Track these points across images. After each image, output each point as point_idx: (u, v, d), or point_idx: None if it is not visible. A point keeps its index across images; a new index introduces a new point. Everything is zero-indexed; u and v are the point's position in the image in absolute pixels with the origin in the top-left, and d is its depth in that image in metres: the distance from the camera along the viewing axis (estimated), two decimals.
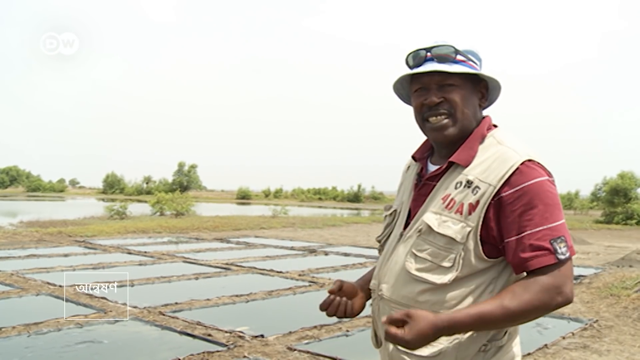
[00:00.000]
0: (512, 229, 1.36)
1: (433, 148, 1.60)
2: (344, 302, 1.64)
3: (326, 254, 11.85)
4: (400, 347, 1.35)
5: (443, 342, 1.40)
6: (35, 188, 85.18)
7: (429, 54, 1.47)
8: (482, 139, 1.49)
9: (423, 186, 1.54)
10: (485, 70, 1.53)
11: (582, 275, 9.17)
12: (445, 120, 1.47)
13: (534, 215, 1.35)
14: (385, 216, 1.67)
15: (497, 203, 1.38)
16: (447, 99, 1.46)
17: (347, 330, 5.32)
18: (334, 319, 5.54)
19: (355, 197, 66.02)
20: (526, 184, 1.37)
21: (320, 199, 69.59)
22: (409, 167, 1.69)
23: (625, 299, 7.02)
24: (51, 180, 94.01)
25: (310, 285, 7.73)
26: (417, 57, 1.49)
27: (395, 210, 1.63)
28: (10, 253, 10.51)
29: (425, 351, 1.41)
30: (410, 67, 1.52)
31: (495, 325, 1.37)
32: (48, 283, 7.22)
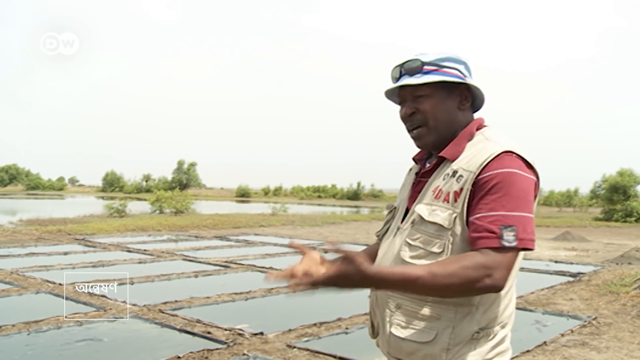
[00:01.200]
0: (475, 209, 1.43)
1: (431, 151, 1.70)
2: None
3: (325, 251, 11.82)
4: (320, 285, 1.36)
5: (436, 328, 1.46)
6: (35, 186, 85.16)
7: (402, 69, 1.58)
8: (471, 137, 1.57)
9: (418, 183, 1.63)
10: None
11: (581, 273, 9.19)
12: (420, 129, 1.59)
13: (492, 201, 1.40)
14: (387, 214, 1.76)
15: (474, 187, 1.45)
16: (419, 109, 1.57)
17: (347, 328, 5.33)
18: (334, 317, 5.56)
19: (354, 195, 66.05)
20: (497, 171, 1.43)
21: (319, 196, 69.66)
22: (411, 169, 1.78)
23: (624, 296, 7.03)
24: (50, 178, 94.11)
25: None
26: (395, 73, 1.61)
27: (395, 208, 1.72)
28: (10, 251, 10.51)
29: (420, 337, 1.48)
30: (393, 83, 1.62)
31: (420, 289, 1.39)
32: (48, 281, 7.22)
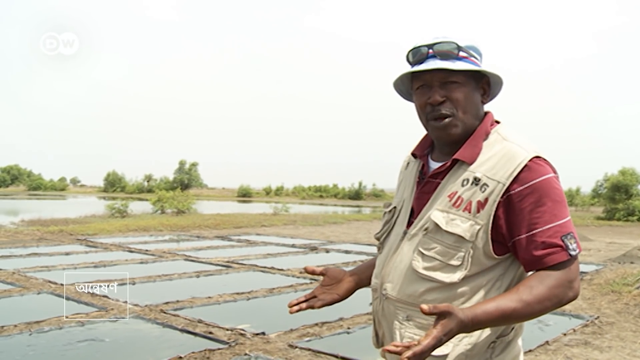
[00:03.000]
0: (522, 226, 1.36)
1: (433, 144, 1.58)
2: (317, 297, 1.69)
3: (327, 251, 11.85)
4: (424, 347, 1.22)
5: (453, 340, 1.37)
6: (37, 187, 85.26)
7: (430, 50, 1.44)
8: (486, 135, 1.47)
9: (426, 184, 1.52)
10: (486, 65, 1.51)
11: (584, 272, 9.16)
12: (448, 120, 1.45)
13: (544, 213, 1.35)
14: (385, 213, 1.65)
15: (507, 200, 1.38)
16: (450, 98, 1.44)
17: (349, 328, 5.32)
18: (336, 317, 5.55)
19: (356, 195, 66.00)
20: (535, 181, 1.36)
21: (321, 196, 69.61)
22: (408, 163, 1.65)
23: (626, 296, 7.02)
24: (52, 178, 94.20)
25: (311, 283, 7.73)
26: (418, 54, 1.46)
27: (395, 208, 1.61)
28: (11, 252, 10.51)
29: (437, 351, 1.35)
30: (411, 64, 1.48)
31: (514, 320, 1.36)
32: (49, 281, 7.23)
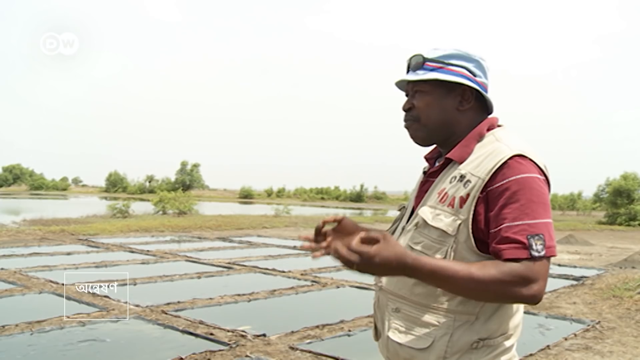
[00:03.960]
0: (494, 221, 1.38)
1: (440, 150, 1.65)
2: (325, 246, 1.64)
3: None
4: (358, 263, 1.30)
5: (433, 335, 1.43)
6: (38, 186, 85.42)
7: (409, 63, 1.57)
8: (480, 137, 1.51)
9: (425, 183, 1.60)
10: (490, 71, 1.55)
11: (585, 277, 9.16)
12: (409, 124, 1.58)
13: (515, 210, 1.35)
14: (398, 212, 1.73)
15: (485, 197, 1.40)
16: (414, 105, 1.55)
17: (349, 330, 5.32)
18: (337, 319, 5.56)
19: (357, 197, 66.08)
20: (512, 178, 1.38)
21: (322, 198, 69.65)
22: (424, 167, 1.73)
23: (628, 301, 7.01)
24: (54, 178, 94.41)
25: (312, 285, 7.74)
26: (406, 67, 1.60)
27: (404, 207, 1.68)
28: (13, 251, 10.53)
29: (416, 343, 1.45)
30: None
31: (454, 286, 1.36)
32: (51, 281, 7.24)
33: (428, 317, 1.44)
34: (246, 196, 69.31)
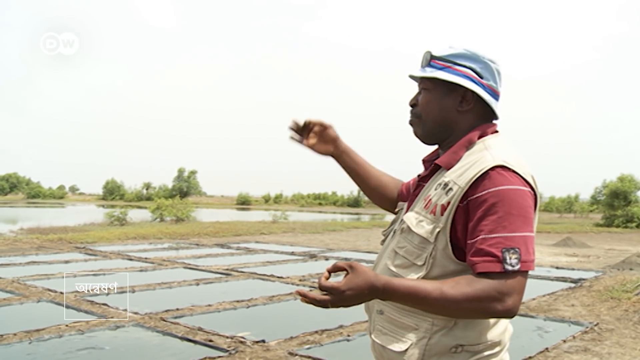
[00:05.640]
0: (471, 232, 1.36)
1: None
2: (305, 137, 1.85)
3: (327, 258, 11.85)
4: (331, 301, 1.33)
5: (411, 339, 1.43)
6: (35, 195, 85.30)
7: (422, 58, 1.58)
8: (470, 144, 1.48)
9: (417, 187, 1.60)
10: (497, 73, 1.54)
11: (583, 279, 9.18)
12: (411, 120, 1.60)
13: (492, 222, 1.33)
14: (396, 212, 1.74)
15: (465, 206, 1.39)
16: (417, 102, 1.58)
17: (348, 335, 5.32)
18: (336, 324, 5.56)
19: (355, 202, 66.10)
20: (491, 189, 1.35)
21: (320, 204, 69.72)
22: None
23: (625, 302, 7.02)
24: (51, 186, 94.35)
25: (311, 290, 7.68)
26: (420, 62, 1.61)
27: (401, 209, 1.68)
28: (10, 260, 10.50)
29: (395, 345, 1.46)
30: None
31: (428, 307, 1.35)
32: (49, 290, 7.22)
33: (408, 320, 1.45)
34: (243, 202, 69.31)
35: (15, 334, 5.07)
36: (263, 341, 5.00)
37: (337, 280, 1.35)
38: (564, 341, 5.31)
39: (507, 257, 1.30)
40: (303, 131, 1.85)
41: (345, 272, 1.34)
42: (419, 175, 1.65)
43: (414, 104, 1.59)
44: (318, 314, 6.09)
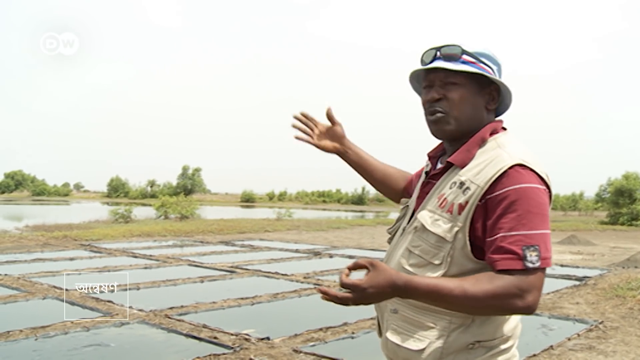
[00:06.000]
0: (491, 230, 1.37)
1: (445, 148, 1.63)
2: (315, 130, 1.86)
3: (331, 256, 11.85)
4: (352, 298, 1.32)
5: (429, 337, 1.43)
6: (40, 192, 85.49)
7: (438, 52, 1.52)
8: (483, 142, 1.49)
9: (427, 184, 1.58)
10: (502, 75, 1.56)
11: (588, 277, 9.16)
12: (440, 115, 1.51)
13: (511, 220, 1.34)
14: (400, 209, 1.72)
15: (484, 205, 1.40)
16: (446, 97, 1.50)
17: (353, 333, 5.33)
18: (340, 321, 5.57)
19: (359, 200, 66.05)
20: (510, 187, 1.37)
21: (324, 201, 69.67)
22: (427, 165, 1.72)
23: (630, 300, 7.01)
24: (56, 184, 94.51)
25: (315, 288, 7.74)
26: (428, 56, 1.54)
27: (407, 206, 1.67)
28: (16, 257, 10.55)
29: (412, 344, 1.45)
30: (423, 66, 1.57)
31: (449, 304, 1.36)
32: (54, 287, 7.25)
33: (424, 319, 1.45)
34: (248, 200, 69.33)
35: (21, 331, 5.10)
36: (267, 338, 5.01)
37: (357, 277, 1.34)
38: (569, 339, 5.30)
39: (528, 255, 1.32)
40: (312, 125, 1.86)
41: (366, 269, 1.34)
42: (426, 172, 1.63)
43: (439, 98, 1.51)
44: (322, 311, 6.10)
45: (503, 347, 1.46)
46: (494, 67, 1.52)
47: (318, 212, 41.24)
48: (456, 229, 1.41)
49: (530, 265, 1.32)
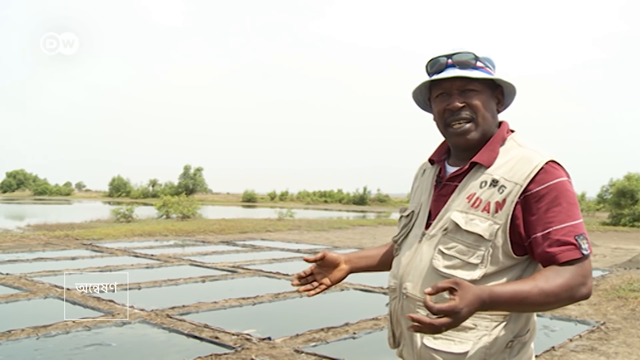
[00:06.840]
0: (538, 225, 1.41)
1: (449, 150, 1.64)
2: (317, 281, 1.85)
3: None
4: (450, 323, 1.25)
5: (470, 338, 1.44)
6: (42, 191, 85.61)
7: (449, 60, 1.52)
8: (503, 141, 1.54)
9: (444, 187, 1.58)
10: (498, 75, 1.59)
11: None
12: (468, 125, 1.52)
13: (559, 213, 1.40)
14: (401, 217, 1.71)
15: (524, 201, 1.43)
16: (468, 104, 1.51)
17: (354, 333, 5.32)
18: (342, 322, 5.56)
19: (360, 200, 65.99)
20: (551, 182, 1.42)
21: (325, 201, 69.63)
22: (424, 170, 1.71)
23: (632, 301, 7.00)
24: (58, 183, 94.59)
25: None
26: (437, 64, 1.54)
27: (412, 212, 1.65)
28: (18, 256, 10.57)
29: (455, 347, 1.44)
30: (430, 74, 1.56)
31: (528, 306, 1.39)
32: (56, 286, 7.26)
33: (465, 321, 1.40)
34: (249, 200, 69.29)
35: (22, 330, 5.11)
36: (269, 338, 5.01)
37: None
38: (571, 340, 5.29)
39: (581, 243, 1.40)
40: (308, 278, 1.90)
41: (450, 290, 1.28)
42: (439, 176, 1.61)
43: (462, 106, 1.51)
44: (324, 312, 6.10)
45: (530, 340, 1.54)
46: (494, 70, 1.58)
47: (319, 212, 41.21)
48: (496, 226, 1.44)
49: (585, 252, 1.40)
